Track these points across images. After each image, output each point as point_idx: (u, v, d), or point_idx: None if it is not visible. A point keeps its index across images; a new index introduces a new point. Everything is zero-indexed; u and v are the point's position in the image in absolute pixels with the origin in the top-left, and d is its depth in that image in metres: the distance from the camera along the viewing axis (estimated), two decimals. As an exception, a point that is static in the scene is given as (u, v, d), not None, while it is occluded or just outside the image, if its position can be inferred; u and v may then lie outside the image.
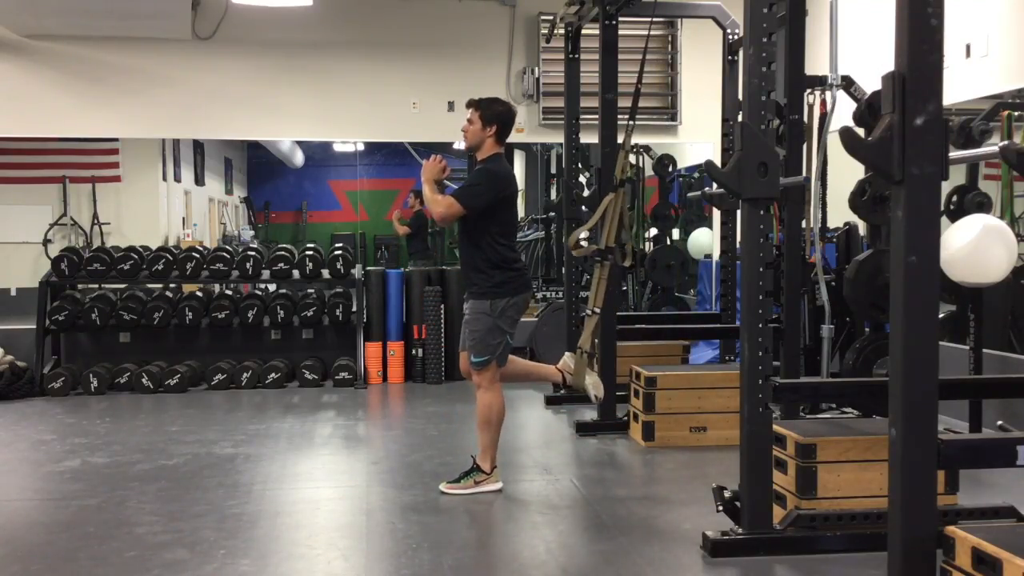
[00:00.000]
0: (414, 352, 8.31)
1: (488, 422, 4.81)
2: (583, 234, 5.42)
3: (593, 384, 5.09)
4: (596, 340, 5.22)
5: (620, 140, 5.82)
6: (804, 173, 5.73)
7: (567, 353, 5.25)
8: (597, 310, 5.29)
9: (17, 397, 7.62)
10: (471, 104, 4.88)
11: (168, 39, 8.85)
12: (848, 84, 5.80)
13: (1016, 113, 5.49)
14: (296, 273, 8.45)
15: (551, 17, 7.75)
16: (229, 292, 9.07)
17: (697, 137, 9.56)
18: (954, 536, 2.97)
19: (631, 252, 5.66)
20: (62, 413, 7.10)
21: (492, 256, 4.75)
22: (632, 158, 10.13)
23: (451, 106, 9.15)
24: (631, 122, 5.62)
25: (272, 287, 8.87)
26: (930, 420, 2.99)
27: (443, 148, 16.33)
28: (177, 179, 12.78)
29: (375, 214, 18.72)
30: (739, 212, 5.33)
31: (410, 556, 3.90)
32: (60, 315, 8.03)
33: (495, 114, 4.82)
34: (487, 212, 4.75)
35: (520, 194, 14.45)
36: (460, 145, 15.07)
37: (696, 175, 10.92)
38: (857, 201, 5.57)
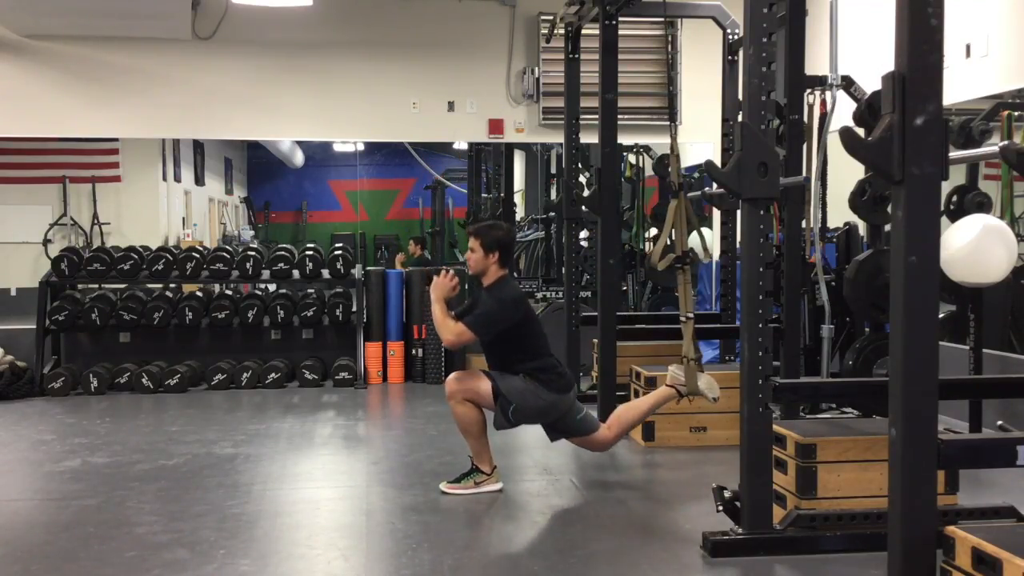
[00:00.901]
0: (414, 352, 8.31)
1: (467, 431, 4.80)
2: (661, 246, 5.25)
3: (707, 386, 4.99)
4: (696, 344, 5.11)
5: (669, 144, 5.62)
6: (804, 173, 5.73)
7: (671, 367, 5.14)
8: (691, 315, 5.16)
9: (17, 397, 7.63)
10: (471, 233, 4.93)
11: (168, 39, 8.85)
12: (848, 84, 5.80)
13: (1016, 113, 5.49)
14: (296, 273, 8.45)
15: (551, 17, 7.74)
16: (229, 292, 9.07)
17: (697, 137, 9.56)
18: (954, 536, 2.96)
19: (704, 248, 5.60)
20: (62, 413, 7.10)
21: (526, 371, 4.75)
22: (632, 158, 10.15)
23: (451, 106, 9.15)
24: (674, 123, 5.50)
25: (272, 287, 8.87)
26: (930, 420, 2.99)
27: (443, 148, 16.42)
28: (177, 179, 12.78)
29: (375, 214, 18.73)
30: (739, 212, 5.33)
31: (410, 556, 3.90)
32: (60, 315, 8.03)
33: (495, 240, 4.83)
34: (504, 336, 4.75)
35: (520, 194, 14.46)
36: (461, 145, 14.97)
37: (696, 175, 10.92)
38: (857, 201, 5.58)
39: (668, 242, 5.00)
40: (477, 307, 4.83)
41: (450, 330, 4.73)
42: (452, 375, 4.90)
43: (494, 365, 4.85)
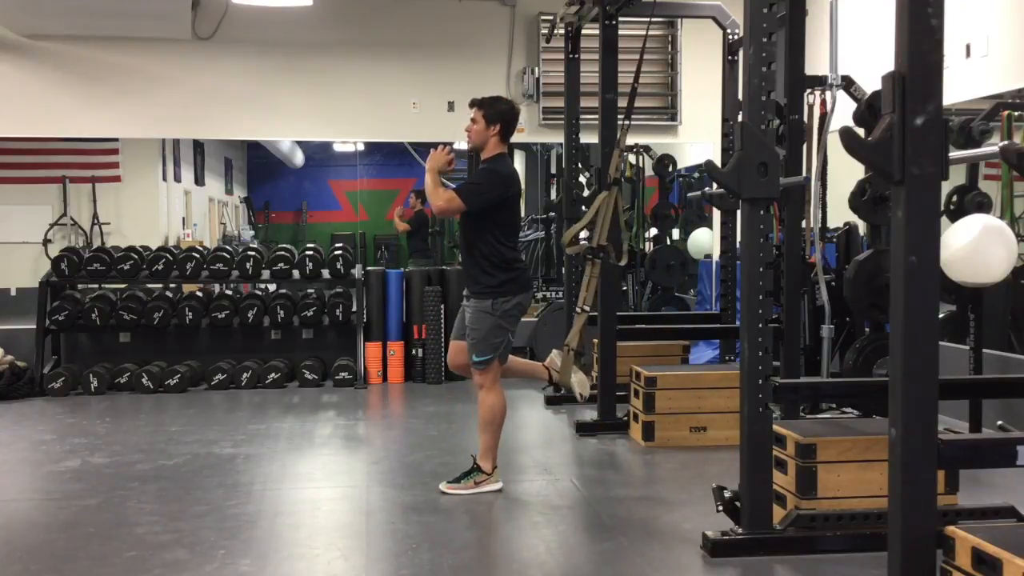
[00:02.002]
0: (414, 352, 8.31)
1: (491, 423, 4.81)
2: (581, 232, 5.43)
3: (579, 382, 5.09)
4: (584, 338, 5.22)
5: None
6: (804, 173, 5.73)
7: (555, 351, 5.25)
8: (587, 308, 5.30)
9: (17, 397, 7.62)
10: (474, 104, 4.88)
11: (168, 39, 8.85)
12: (848, 84, 5.80)
13: (1016, 113, 5.49)
14: (296, 273, 8.45)
15: (551, 17, 7.75)
16: (229, 292, 9.07)
17: (697, 137, 9.57)
18: (954, 536, 2.96)
19: (627, 251, 5.66)
20: (62, 413, 7.10)
21: (494, 256, 4.75)
22: (632, 158, 10.15)
23: (451, 106, 9.15)
24: (626, 121, 5.67)
25: (272, 287, 8.87)
26: (930, 420, 2.99)
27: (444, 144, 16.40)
28: (177, 179, 12.78)
29: (375, 214, 18.71)
30: (739, 212, 5.34)
31: (410, 556, 3.90)
32: (60, 315, 8.03)
33: (498, 112, 4.83)
34: (489, 211, 4.75)
35: (521, 194, 14.46)
36: (461, 145, 15.06)
37: (696, 175, 10.93)
38: (857, 201, 5.58)
39: (583, 230, 5.26)
40: (470, 177, 4.85)
41: (440, 196, 4.73)
42: (452, 358, 4.96)
43: (468, 246, 4.81)
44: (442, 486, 4.83)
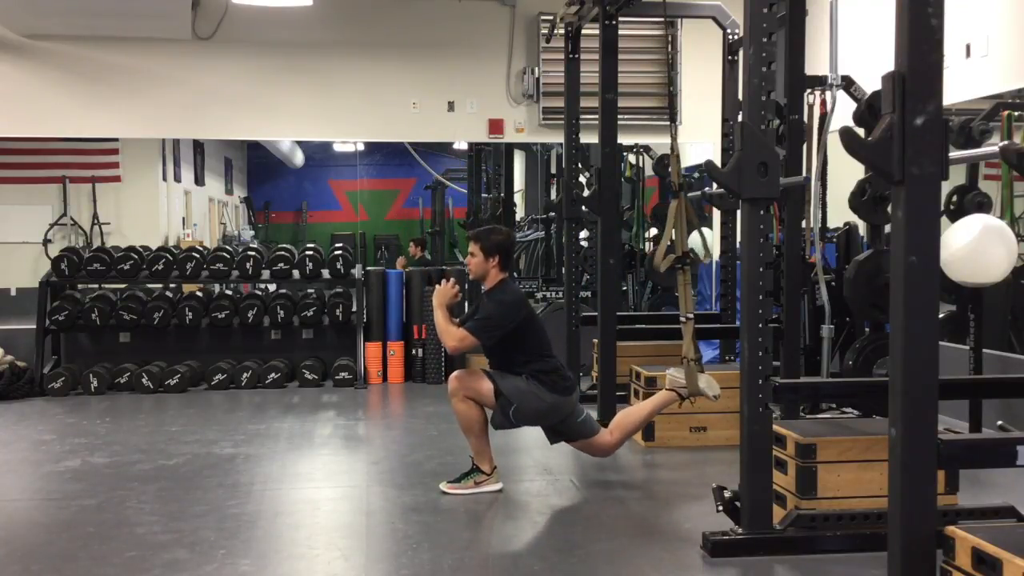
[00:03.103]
0: (414, 352, 8.31)
1: (468, 429, 4.80)
2: (664, 247, 5.21)
3: (707, 384, 4.95)
4: (695, 344, 5.07)
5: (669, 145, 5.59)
6: (804, 173, 5.73)
7: (669, 369, 5.12)
8: (690, 316, 5.12)
9: (17, 397, 7.62)
10: (471, 237, 4.94)
11: (168, 39, 8.86)
12: (848, 84, 5.80)
13: (1016, 113, 5.49)
14: (296, 273, 8.45)
15: (551, 17, 7.74)
16: (229, 292, 9.08)
17: (697, 137, 9.56)
18: (954, 536, 2.96)
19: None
20: (62, 413, 7.10)
21: (528, 372, 4.75)
22: (632, 158, 10.15)
23: (451, 106, 9.15)
24: (675, 124, 5.49)
25: (272, 287, 8.87)
26: (930, 420, 2.99)
27: (443, 148, 16.42)
28: (177, 179, 12.78)
29: (375, 214, 18.72)
30: (739, 212, 5.33)
31: (410, 556, 3.90)
32: (60, 315, 8.03)
33: (495, 245, 4.84)
34: (508, 339, 4.75)
35: (520, 194, 14.45)
36: (460, 145, 14.97)
37: (696, 175, 10.92)
38: (857, 201, 5.57)
39: (669, 242, 4.97)
40: (479, 312, 4.84)
41: (452, 336, 4.74)
42: (454, 373, 4.90)
43: (496, 366, 4.85)
44: (442, 486, 4.83)
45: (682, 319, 5.02)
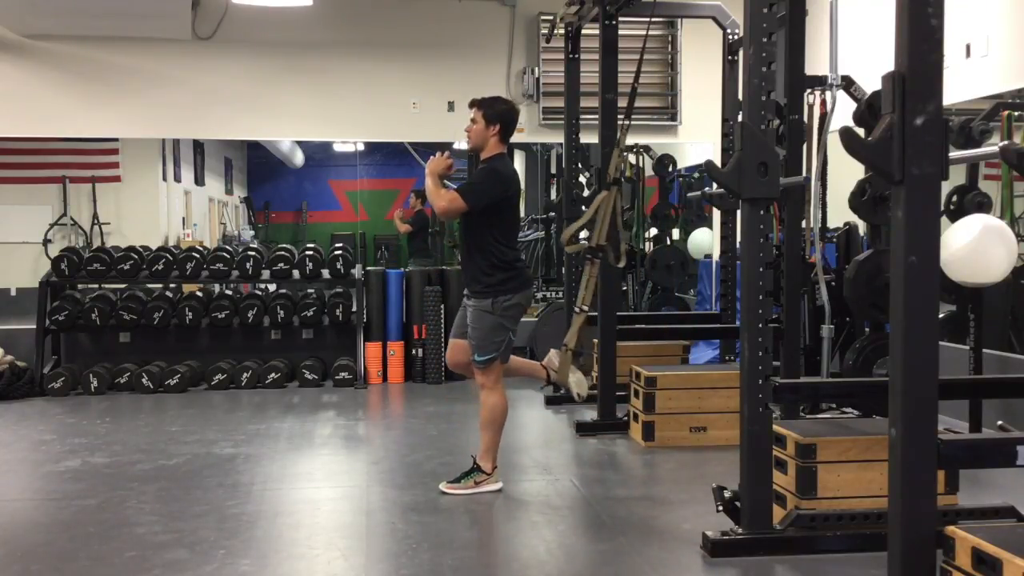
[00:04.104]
0: (414, 352, 8.31)
1: (492, 423, 4.81)
2: (580, 231, 5.44)
3: (576, 382, 5.10)
4: (582, 338, 5.23)
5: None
6: (804, 173, 5.73)
7: (553, 350, 5.26)
8: (585, 308, 5.31)
9: (17, 397, 7.62)
10: (473, 104, 4.90)
11: (168, 39, 8.85)
12: (848, 84, 5.79)
13: (1016, 113, 5.49)
14: (296, 273, 8.45)
15: (551, 17, 7.75)
16: (229, 292, 9.07)
17: (697, 137, 9.57)
18: (954, 536, 2.97)
19: (625, 252, 5.67)
20: (62, 413, 7.10)
21: (493, 256, 4.75)
22: (632, 158, 10.15)
23: (451, 106, 9.15)
24: (626, 121, 5.68)
25: (272, 287, 8.87)
26: (930, 420, 2.99)
27: (443, 148, 16.41)
28: (177, 179, 12.78)
29: (375, 214, 18.70)
30: (739, 212, 5.33)
31: (410, 556, 3.90)
32: (60, 315, 8.02)
33: (498, 113, 4.84)
34: (489, 211, 4.75)
35: (520, 194, 14.46)
36: (461, 145, 15.06)
37: (696, 175, 10.92)
38: (857, 201, 5.57)
39: (581, 227, 5.26)
40: (472, 177, 4.87)
41: (442, 197, 4.75)
42: (451, 357, 4.96)
43: (469, 247, 4.83)
44: (442, 486, 4.83)
45: (576, 310, 5.36)
